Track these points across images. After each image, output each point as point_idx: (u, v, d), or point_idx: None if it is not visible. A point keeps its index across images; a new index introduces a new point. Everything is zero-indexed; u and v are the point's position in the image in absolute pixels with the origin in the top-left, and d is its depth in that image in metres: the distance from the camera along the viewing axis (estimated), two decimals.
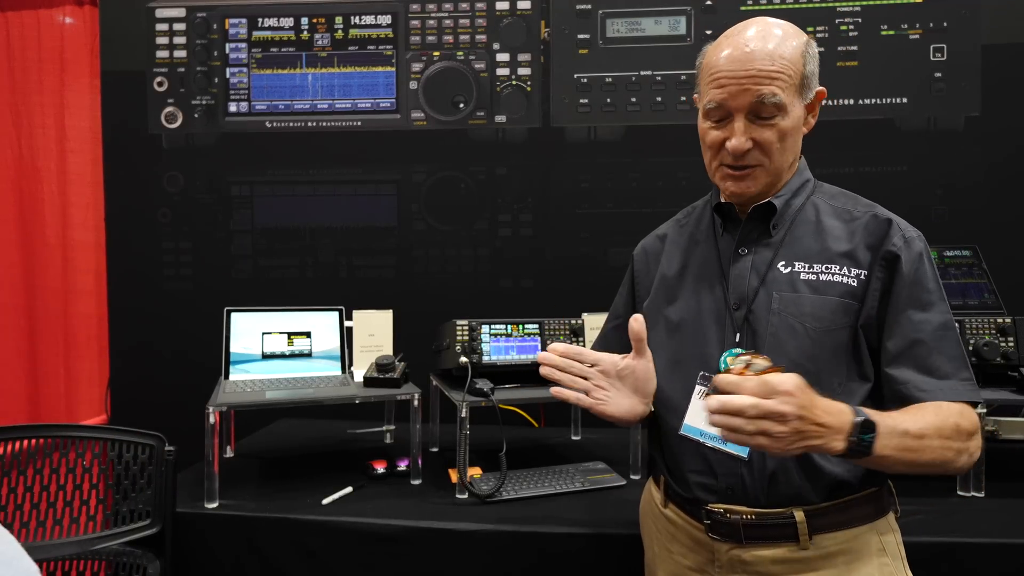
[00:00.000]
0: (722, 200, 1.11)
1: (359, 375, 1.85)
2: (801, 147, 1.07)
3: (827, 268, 1.00)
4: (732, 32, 1.02)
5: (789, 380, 0.80)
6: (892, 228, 0.99)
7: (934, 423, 0.89)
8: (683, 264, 1.14)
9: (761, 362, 0.86)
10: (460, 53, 2.50)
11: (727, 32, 1.03)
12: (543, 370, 1.06)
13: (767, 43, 0.98)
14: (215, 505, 1.53)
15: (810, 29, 2.37)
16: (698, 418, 1.03)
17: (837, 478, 0.97)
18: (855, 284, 0.99)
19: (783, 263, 1.03)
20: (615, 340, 1.28)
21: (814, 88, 1.03)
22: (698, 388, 1.05)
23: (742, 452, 0.99)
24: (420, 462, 1.71)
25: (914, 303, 0.96)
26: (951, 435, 0.90)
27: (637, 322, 1.01)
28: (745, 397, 0.79)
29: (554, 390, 1.05)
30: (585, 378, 1.05)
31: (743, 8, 2.40)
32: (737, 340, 1.02)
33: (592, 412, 1.06)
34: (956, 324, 1.05)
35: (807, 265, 1.01)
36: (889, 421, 0.86)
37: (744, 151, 0.99)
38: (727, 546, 1.01)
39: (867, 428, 0.84)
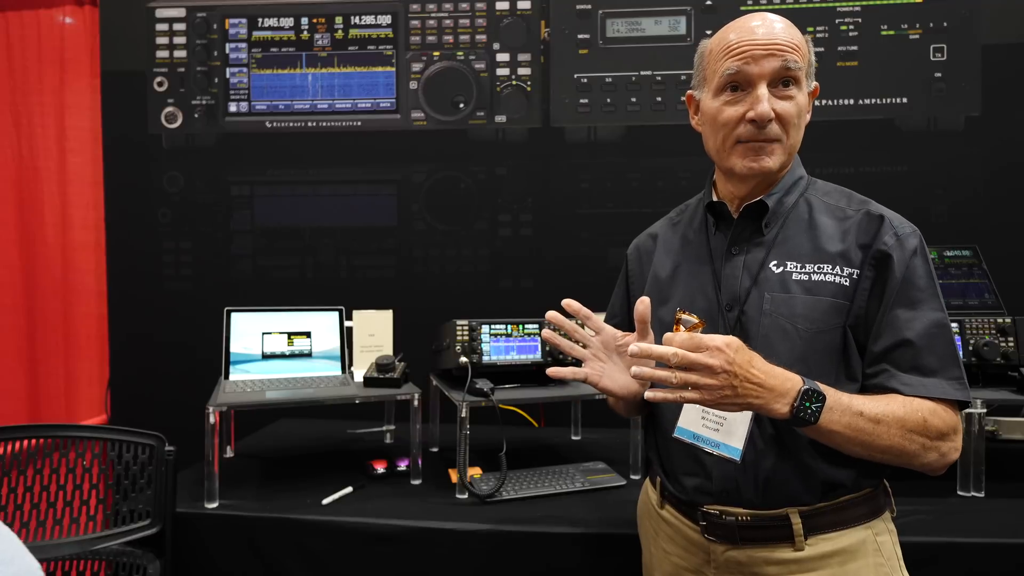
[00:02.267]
0: (715, 199, 1.10)
1: (359, 375, 1.86)
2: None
3: (819, 268, 0.99)
4: (737, 20, 1.03)
5: (720, 337, 0.84)
6: (884, 226, 0.98)
7: (897, 413, 0.90)
8: (676, 264, 1.14)
9: (691, 319, 0.89)
10: (460, 53, 2.50)
11: (729, 24, 1.03)
12: (545, 333, 1.10)
13: (778, 24, 1.00)
14: (215, 505, 1.53)
15: (810, 29, 2.37)
16: (692, 421, 1.03)
17: (832, 479, 0.97)
18: (847, 284, 0.98)
19: (775, 263, 1.02)
20: None
21: (813, 80, 1.03)
22: None
23: (735, 455, 0.99)
24: (420, 462, 1.71)
25: (904, 302, 0.95)
26: (915, 428, 0.90)
27: (643, 304, 1.01)
28: (668, 347, 0.84)
29: (551, 371, 1.06)
30: (586, 346, 1.09)
31: (743, 8, 2.40)
32: None
33: (588, 383, 1.08)
34: (954, 323, 1.04)
35: (799, 265, 1.00)
36: (844, 399, 0.89)
37: (770, 118, 0.97)
38: (723, 547, 1.01)
39: (814, 397, 0.87)
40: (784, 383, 0.87)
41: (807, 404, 0.86)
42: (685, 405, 1.04)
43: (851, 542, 0.97)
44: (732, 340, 0.85)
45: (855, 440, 0.90)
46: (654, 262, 1.18)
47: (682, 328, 0.88)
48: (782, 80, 0.98)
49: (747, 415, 0.97)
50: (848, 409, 0.89)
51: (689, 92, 1.11)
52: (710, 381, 0.83)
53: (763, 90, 0.97)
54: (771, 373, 0.87)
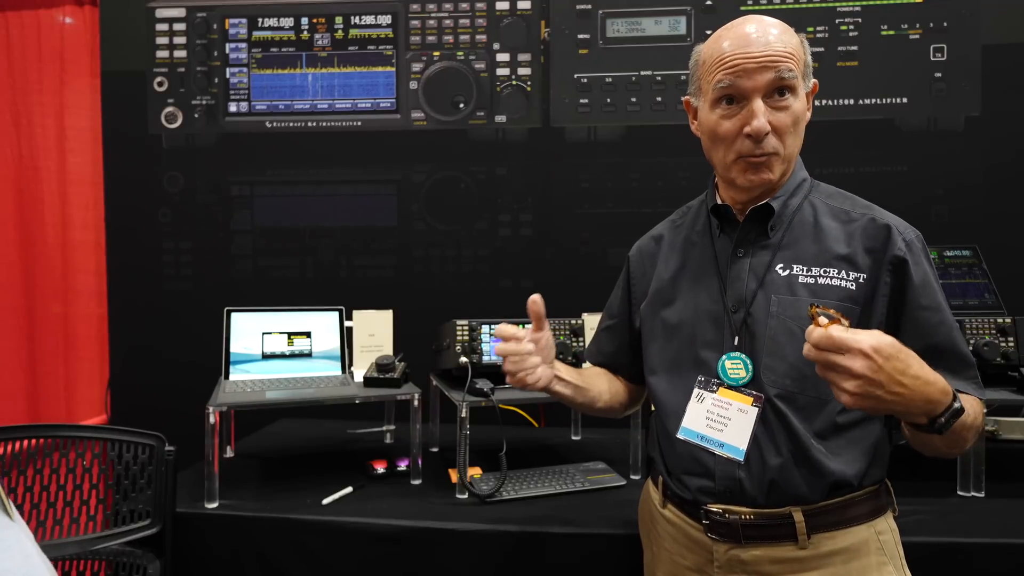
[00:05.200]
0: (719, 201, 1.10)
1: (359, 375, 1.86)
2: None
3: (825, 271, 1.00)
4: (731, 25, 1.02)
5: (867, 340, 0.77)
6: (893, 232, 0.99)
7: (976, 408, 0.94)
8: (680, 266, 1.14)
9: (829, 313, 0.79)
10: (460, 53, 2.50)
11: (723, 29, 1.03)
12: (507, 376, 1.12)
13: (773, 29, 0.99)
14: (215, 505, 1.53)
15: (810, 29, 2.37)
16: (696, 421, 1.03)
17: (835, 478, 0.97)
18: (854, 288, 0.98)
19: (781, 265, 1.02)
20: (607, 341, 1.28)
21: (811, 79, 1.03)
22: (696, 392, 1.05)
23: (738, 455, 0.99)
24: (420, 462, 1.71)
25: (924, 306, 0.97)
26: (979, 426, 0.94)
27: (534, 302, 1.07)
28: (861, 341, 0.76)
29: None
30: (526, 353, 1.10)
31: (743, 8, 2.40)
32: (736, 343, 1.02)
33: (521, 385, 1.09)
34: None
35: (805, 268, 1.01)
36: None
37: (766, 132, 0.97)
38: (726, 546, 1.01)
39: (958, 414, 0.84)
40: (934, 396, 0.82)
41: (951, 420, 0.83)
42: (689, 404, 1.05)
43: (854, 541, 0.98)
44: (883, 345, 0.76)
45: (951, 443, 0.90)
46: (657, 264, 1.18)
47: (820, 324, 0.78)
48: (777, 90, 0.98)
49: (751, 415, 0.97)
50: (964, 418, 0.86)
51: (686, 98, 1.11)
52: (846, 385, 0.77)
53: (758, 104, 0.97)
54: (919, 384, 0.80)
